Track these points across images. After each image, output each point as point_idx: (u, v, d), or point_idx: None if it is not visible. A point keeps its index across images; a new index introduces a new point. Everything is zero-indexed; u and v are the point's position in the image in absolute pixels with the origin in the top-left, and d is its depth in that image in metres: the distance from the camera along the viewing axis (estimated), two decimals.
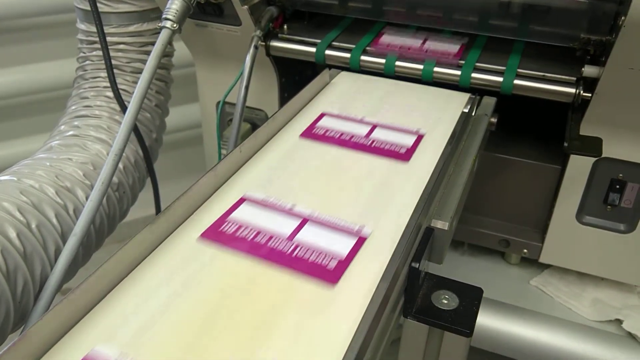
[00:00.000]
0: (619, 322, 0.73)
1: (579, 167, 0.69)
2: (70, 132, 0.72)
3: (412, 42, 0.70)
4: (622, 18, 0.54)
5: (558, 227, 0.74)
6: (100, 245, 0.69)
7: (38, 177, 0.62)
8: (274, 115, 0.57)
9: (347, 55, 0.71)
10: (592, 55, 0.65)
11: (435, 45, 0.69)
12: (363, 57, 0.71)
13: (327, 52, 0.72)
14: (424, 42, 0.69)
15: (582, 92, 0.63)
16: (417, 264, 0.43)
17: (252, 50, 0.70)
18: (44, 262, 0.56)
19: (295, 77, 0.83)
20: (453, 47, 0.69)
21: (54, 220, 0.59)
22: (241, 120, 0.70)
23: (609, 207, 0.70)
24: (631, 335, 0.71)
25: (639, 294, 0.77)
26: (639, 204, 0.69)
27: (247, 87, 0.70)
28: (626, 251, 0.72)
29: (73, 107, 0.76)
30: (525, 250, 0.77)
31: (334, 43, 0.73)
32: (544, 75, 0.65)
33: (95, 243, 0.67)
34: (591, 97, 0.62)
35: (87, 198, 0.62)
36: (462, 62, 0.68)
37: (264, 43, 0.74)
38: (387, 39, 0.71)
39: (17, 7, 1.12)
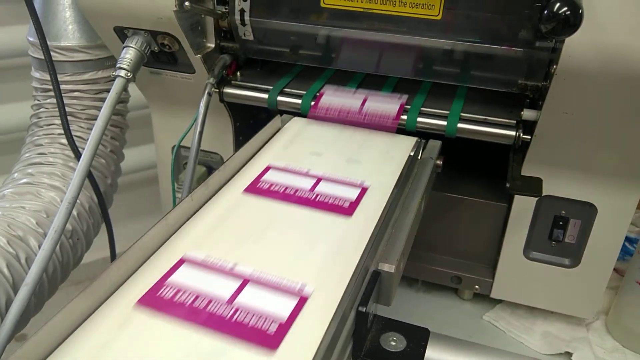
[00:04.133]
0: (568, 354, 0.75)
1: (523, 205, 0.71)
2: (24, 180, 0.71)
3: (351, 103, 0.70)
4: (554, 66, 0.57)
5: (507, 263, 0.76)
6: (53, 293, 0.68)
7: None
8: (225, 163, 0.58)
9: (299, 101, 0.73)
10: (531, 99, 0.68)
11: (374, 106, 0.70)
12: (314, 103, 0.73)
13: (279, 98, 0.74)
14: (363, 103, 0.70)
15: (522, 134, 0.66)
16: (364, 308, 0.44)
17: (205, 97, 0.71)
18: None
19: (250, 120, 0.85)
20: (392, 108, 0.69)
21: (5, 271, 0.59)
22: (195, 165, 0.71)
23: (553, 242, 0.73)
24: None
25: (587, 327, 0.80)
26: (582, 239, 0.71)
27: (200, 133, 0.71)
28: (572, 285, 0.74)
29: (27, 155, 0.75)
30: (476, 286, 0.79)
31: (285, 89, 0.75)
32: (485, 119, 0.67)
33: (48, 291, 0.66)
34: (531, 139, 0.65)
35: (40, 247, 0.62)
36: (405, 117, 0.70)
37: (217, 90, 0.75)
38: (326, 100, 0.72)
39: None
